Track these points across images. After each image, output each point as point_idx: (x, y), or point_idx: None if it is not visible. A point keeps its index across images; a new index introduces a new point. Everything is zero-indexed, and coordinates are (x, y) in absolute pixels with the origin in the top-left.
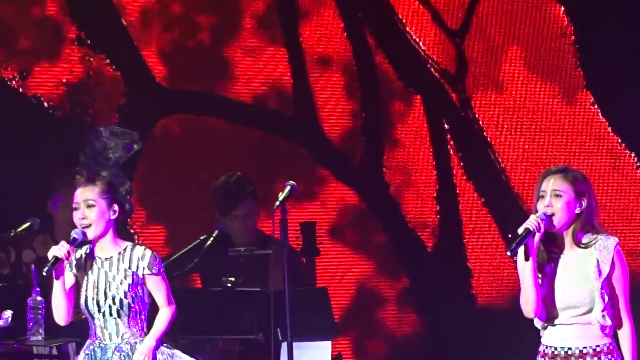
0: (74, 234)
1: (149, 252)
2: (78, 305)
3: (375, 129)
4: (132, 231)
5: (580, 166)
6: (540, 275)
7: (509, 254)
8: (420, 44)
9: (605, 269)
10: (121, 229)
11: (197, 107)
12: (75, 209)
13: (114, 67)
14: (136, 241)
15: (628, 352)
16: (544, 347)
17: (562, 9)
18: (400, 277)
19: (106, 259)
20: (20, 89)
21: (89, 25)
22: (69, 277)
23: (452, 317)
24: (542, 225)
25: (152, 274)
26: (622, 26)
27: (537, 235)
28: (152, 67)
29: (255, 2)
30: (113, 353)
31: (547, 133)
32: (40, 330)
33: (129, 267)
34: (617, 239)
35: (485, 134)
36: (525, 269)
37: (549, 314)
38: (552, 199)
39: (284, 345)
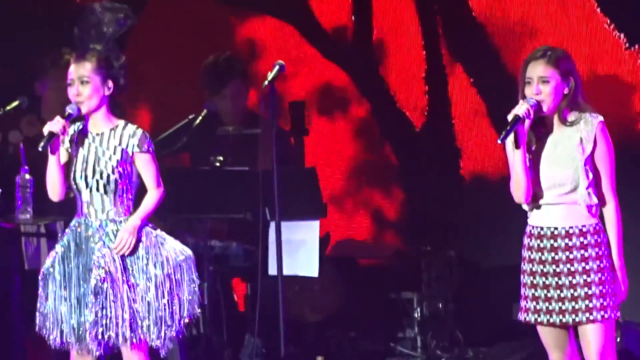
0: (69, 109)
1: (140, 131)
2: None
3: (365, 8)
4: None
5: (569, 47)
6: (528, 157)
7: (499, 141)
8: None
9: (589, 147)
10: (115, 106)
11: None
12: (69, 85)
13: None
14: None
15: (613, 230)
16: (531, 227)
17: None
18: (389, 157)
19: (97, 134)
20: None
21: None
22: (62, 153)
23: (440, 196)
24: (531, 112)
25: (141, 151)
26: None
27: (527, 122)
28: None
29: None
30: (96, 230)
31: (537, 15)
32: (29, 209)
33: (119, 144)
34: (601, 117)
35: (474, 14)
36: (515, 156)
37: (536, 194)
38: (540, 85)
39: (272, 224)
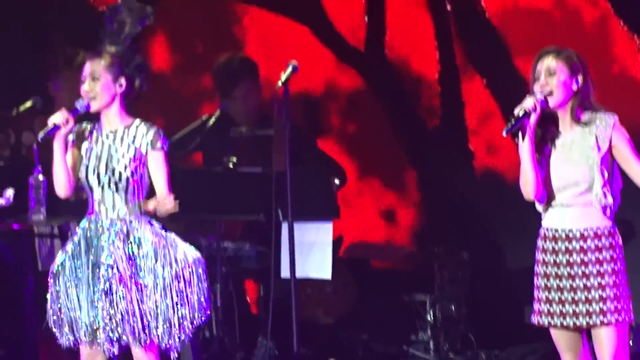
0: (77, 104)
1: (154, 129)
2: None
3: (378, 11)
4: None
5: (582, 49)
6: (540, 156)
7: (504, 134)
8: None
9: (604, 145)
10: (131, 105)
11: None
12: (82, 81)
13: None
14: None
15: None
16: (545, 229)
17: None
18: (402, 158)
19: (111, 131)
20: None
21: None
22: (72, 151)
23: (453, 198)
24: (538, 106)
25: (154, 149)
26: None
27: (534, 116)
28: None
29: None
30: (107, 228)
31: (551, 16)
32: (42, 210)
33: (133, 142)
34: (616, 115)
35: (488, 15)
36: (523, 150)
37: (550, 194)
38: (547, 78)
39: (285, 225)
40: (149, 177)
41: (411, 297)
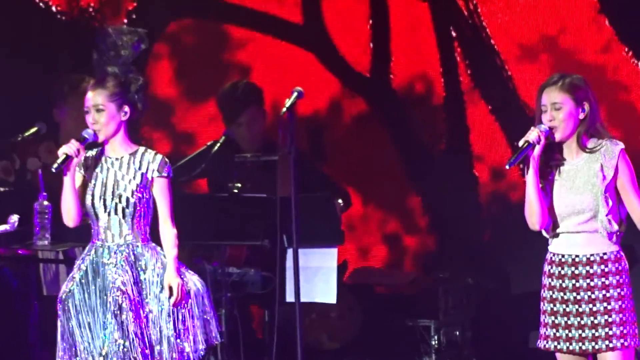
0: (85, 133)
1: (160, 156)
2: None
3: (383, 37)
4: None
5: (586, 74)
6: (545, 183)
7: (507, 166)
8: None
9: (610, 174)
10: (133, 131)
11: (206, 12)
12: (86, 112)
13: None
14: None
15: None
16: (551, 254)
17: None
18: (407, 184)
19: (117, 159)
20: None
21: None
22: (78, 178)
23: (457, 223)
24: (542, 138)
25: (160, 176)
26: None
27: (538, 148)
28: None
29: None
30: (114, 254)
31: (554, 42)
32: (47, 235)
33: (139, 168)
34: (622, 144)
35: (492, 41)
36: (528, 181)
37: (555, 222)
38: (553, 112)
39: (290, 251)
40: (154, 202)
41: (416, 322)
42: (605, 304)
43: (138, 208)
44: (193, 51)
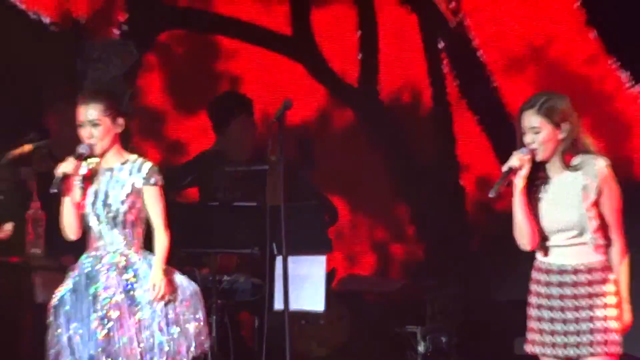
0: (81, 149)
1: (149, 164)
2: None
3: (371, 49)
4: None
5: (572, 87)
6: (531, 199)
7: (491, 195)
8: None
9: (592, 194)
10: (125, 139)
11: (196, 23)
12: (80, 127)
13: None
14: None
15: (618, 269)
16: (539, 262)
17: None
18: (395, 192)
19: (108, 169)
20: (22, 6)
21: None
22: (77, 192)
23: (444, 232)
24: (526, 163)
25: (149, 184)
26: None
27: (521, 172)
28: None
29: None
30: (106, 262)
31: (541, 53)
32: (40, 243)
33: (129, 177)
34: (606, 160)
35: (479, 53)
36: (515, 204)
37: (544, 237)
38: (532, 135)
39: (279, 259)
40: (146, 211)
41: (403, 328)
42: (589, 312)
43: (129, 217)
44: (184, 61)
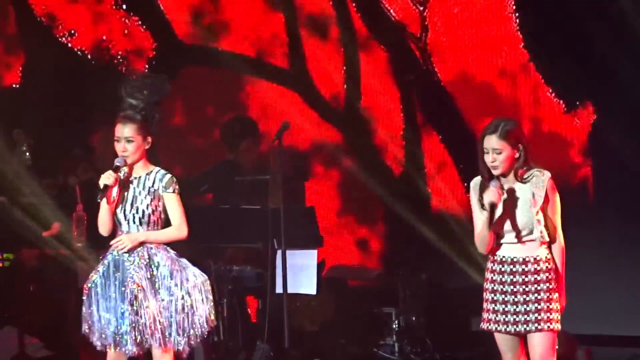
0: (117, 162)
1: (168, 175)
2: None
3: (355, 80)
4: None
5: (519, 112)
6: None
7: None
8: (391, 11)
9: (540, 201)
10: (153, 154)
11: (211, 60)
12: (117, 141)
13: (144, 27)
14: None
15: (559, 262)
16: (494, 255)
17: None
18: (373, 198)
19: (136, 177)
20: (69, 44)
21: None
22: (112, 197)
23: (414, 230)
24: (499, 192)
25: (167, 192)
26: None
27: (495, 200)
28: (175, 27)
29: None
30: (132, 254)
31: (494, 85)
32: (82, 239)
33: (152, 185)
34: (549, 173)
35: (442, 83)
36: (484, 223)
37: (499, 236)
38: (495, 155)
39: (279, 252)
40: (166, 213)
41: (380, 309)
42: (535, 295)
43: (152, 218)
44: (200, 90)
